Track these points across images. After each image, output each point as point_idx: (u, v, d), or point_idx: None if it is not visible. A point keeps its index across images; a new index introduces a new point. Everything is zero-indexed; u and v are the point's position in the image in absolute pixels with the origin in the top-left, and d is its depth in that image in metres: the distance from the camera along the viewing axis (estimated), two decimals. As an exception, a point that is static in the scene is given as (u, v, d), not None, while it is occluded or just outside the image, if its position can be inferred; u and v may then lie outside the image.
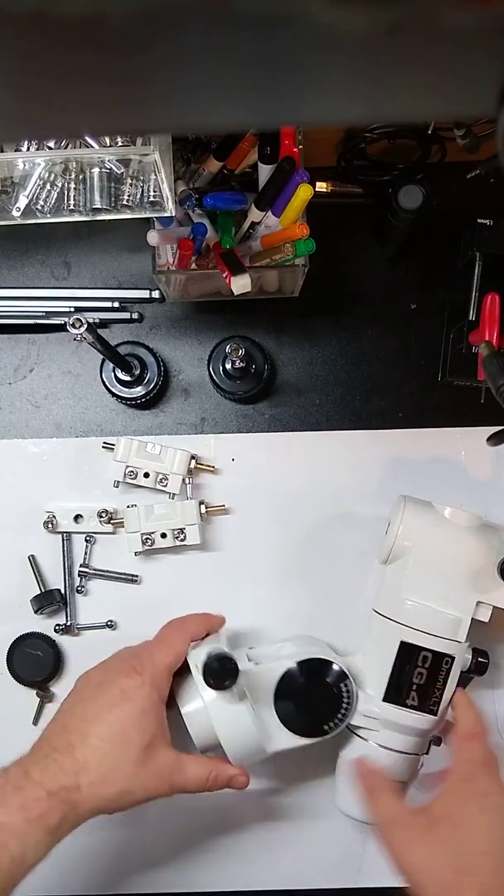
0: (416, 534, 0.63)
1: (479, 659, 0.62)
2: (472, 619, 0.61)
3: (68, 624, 0.73)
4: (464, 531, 0.63)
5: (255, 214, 0.64)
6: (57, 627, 0.73)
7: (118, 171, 0.57)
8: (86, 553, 0.74)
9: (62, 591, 0.73)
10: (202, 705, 0.58)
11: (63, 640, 0.74)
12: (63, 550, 0.73)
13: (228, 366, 0.72)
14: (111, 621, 0.74)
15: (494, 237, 0.69)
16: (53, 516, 0.73)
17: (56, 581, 0.74)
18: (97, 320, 0.76)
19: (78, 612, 0.74)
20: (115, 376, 0.73)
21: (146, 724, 0.55)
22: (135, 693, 0.56)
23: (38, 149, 0.56)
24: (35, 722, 0.73)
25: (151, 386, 0.74)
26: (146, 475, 0.72)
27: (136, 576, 0.74)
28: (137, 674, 0.57)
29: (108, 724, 0.55)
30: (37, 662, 0.72)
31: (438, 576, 0.62)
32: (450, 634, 0.61)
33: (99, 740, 0.54)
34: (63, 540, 0.74)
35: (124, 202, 0.58)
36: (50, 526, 0.73)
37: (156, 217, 0.61)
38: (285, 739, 0.59)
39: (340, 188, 0.75)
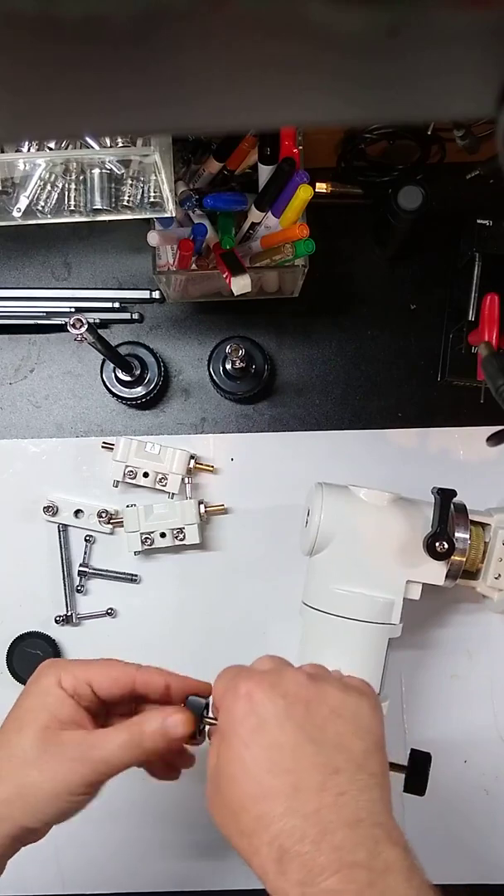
0: (337, 520, 0.61)
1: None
2: (404, 598, 0.60)
3: (68, 614, 0.73)
4: (384, 511, 0.61)
5: (255, 215, 0.64)
6: (57, 618, 0.73)
7: (118, 172, 0.57)
8: (85, 552, 0.74)
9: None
10: None
11: (63, 633, 0.74)
12: (60, 542, 0.74)
13: (228, 366, 0.72)
14: (111, 609, 0.74)
15: (494, 237, 0.69)
16: (55, 504, 0.73)
17: (56, 578, 0.74)
18: (97, 320, 0.76)
19: (78, 610, 0.74)
20: (116, 376, 0.73)
21: (43, 704, 0.46)
22: (37, 679, 0.48)
23: (38, 149, 0.56)
24: (35, 721, 0.73)
25: (152, 386, 0.74)
26: (145, 475, 0.72)
27: (136, 575, 0.74)
28: (47, 665, 0.49)
29: (8, 717, 0.47)
30: (36, 662, 0.71)
31: (365, 560, 0.60)
32: (383, 618, 0.59)
33: None
34: (59, 531, 0.74)
35: (124, 203, 0.59)
36: (50, 512, 0.73)
37: (156, 218, 0.61)
38: None
39: (340, 189, 0.75)
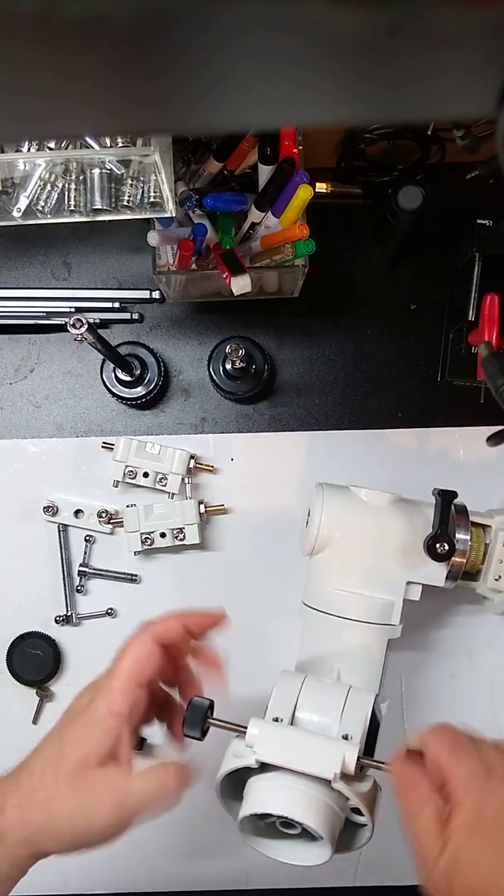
0: (338, 521, 0.61)
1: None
2: (404, 599, 0.60)
3: (68, 614, 0.73)
4: (384, 511, 0.61)
5: (255, 215, 0.64)
6: (57, 618, 0.73)
7: (118, 172, 0.57)
8: (85, 552, 0.74)
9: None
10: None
11: (63, 633, 0.74)
12: (60, 542, 0.74)
13: (228, 366, 0.72)
14: (111, 609, 0.74)
15: (494, 237, 0.69)
16: (55, 504, 0.74)
17: (56, 578, 0.74)
18: (98, 320, 0.76)
19: (78, 609, 0.74)
20: (116, 376, 0.73)
21: (86, 737, 0.47)
22: (80, 707, 0.49)
23: (38, 149, 0.56)
24: (35, 721, 0.73)
25: (152, 386, 0.74)
26: (145, 475, 0.72)
27: (136, 575, 0.74)
28: (89, 690, 0.50)
29: (48, 741, 0.49)
30: (36, 662, 0.72)
31: (365, 561, 0.60)
32: (383, 619, 0.59)
33: (36, 759, 0.48)
34: (59, 531, 0.74)
35: (125, 203, 0.59)
36: (50, 512, 0.73)
37: (156, 218, 0.61)
38: None
39: (340, 189, 0.75)
